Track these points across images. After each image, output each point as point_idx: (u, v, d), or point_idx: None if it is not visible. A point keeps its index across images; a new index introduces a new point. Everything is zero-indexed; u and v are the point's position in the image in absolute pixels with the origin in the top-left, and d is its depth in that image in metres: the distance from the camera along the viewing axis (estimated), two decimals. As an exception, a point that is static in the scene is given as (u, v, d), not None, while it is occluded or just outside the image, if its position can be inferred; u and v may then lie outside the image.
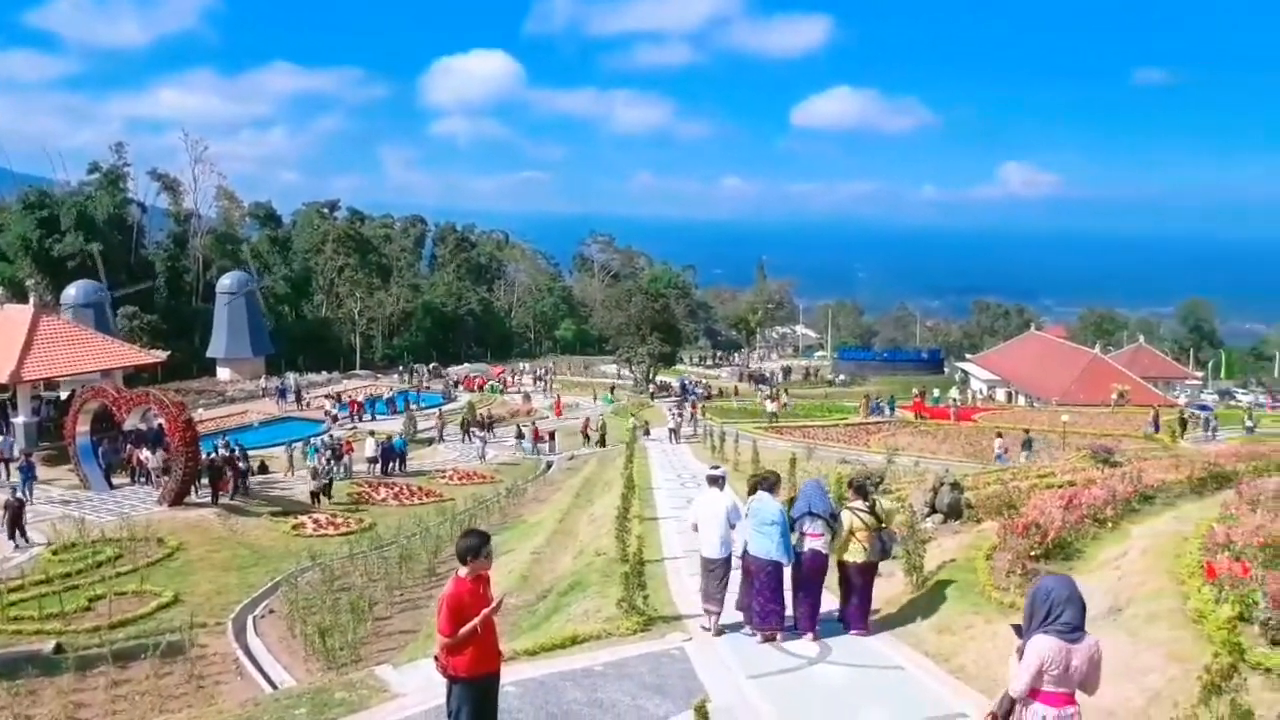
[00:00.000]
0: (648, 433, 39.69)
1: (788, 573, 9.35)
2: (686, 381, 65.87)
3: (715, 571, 9.75)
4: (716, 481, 10.02)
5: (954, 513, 13.46)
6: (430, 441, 42.67)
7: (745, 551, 9.31)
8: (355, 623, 16.27)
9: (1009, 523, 10.78)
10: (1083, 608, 4.94)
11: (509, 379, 66.48)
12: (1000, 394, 67.54)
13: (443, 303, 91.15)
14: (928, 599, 10.10)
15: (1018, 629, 5.13)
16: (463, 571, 6.00)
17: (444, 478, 33.89)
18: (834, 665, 8.66)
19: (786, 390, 62.99)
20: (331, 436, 38.17)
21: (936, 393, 59.78)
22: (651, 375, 66.10)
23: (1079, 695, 4.94)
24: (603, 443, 39.73)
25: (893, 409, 50.56)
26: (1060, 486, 13.93)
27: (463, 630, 5.78)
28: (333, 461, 32.12)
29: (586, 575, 14.15)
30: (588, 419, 45.19)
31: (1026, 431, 36.54)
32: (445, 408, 51.76)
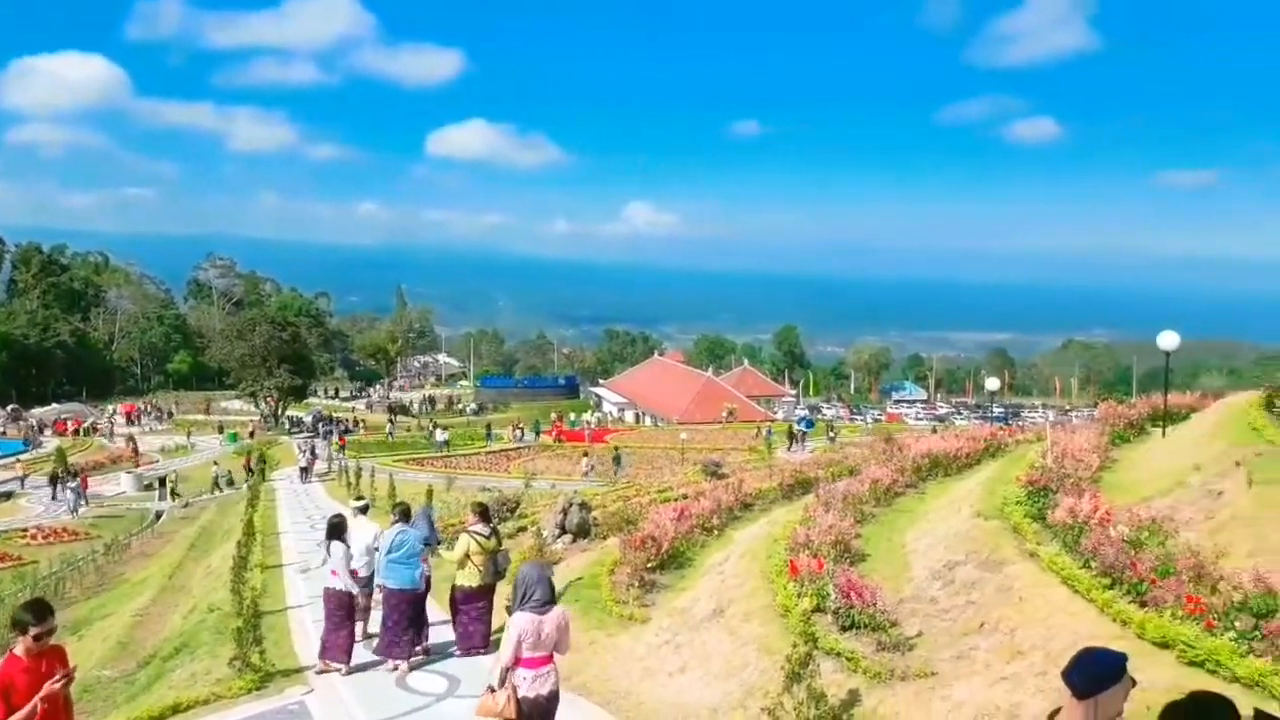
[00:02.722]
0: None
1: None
2: (320, 415, 62.46)
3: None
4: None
5: (583, 532, 14.05)
6: (8, 495, 36.46)
7: (378, 584, 9.25)
8: (-110, 725, 13.36)
9: (629, 538, 11.44)
10: (551, 586, 6.03)
11: (141, 417, 60.37)
12: (629, 415, 71.81)
13: (25, 334, 79.33)
14: (555, 620, 10.39)
15: (509, 609, 6.04)
16: (18, 648, 5.13)
17: (25, 538, 29.10)
18: (461, 699, 8.57)
19: (433, 419, 62.11)
20: None
21: (573, 417, 62.32)
22: (281, 410, 62.01)
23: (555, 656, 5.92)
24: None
25: (537, 434, 52.04)
26: (676, 500, 15.07)
27: (13, 718, 4.93)
28: None
29: (198, 634, 12.82)
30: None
31: (615, 449, 40.60)
32: (26, 456, 44.67)
